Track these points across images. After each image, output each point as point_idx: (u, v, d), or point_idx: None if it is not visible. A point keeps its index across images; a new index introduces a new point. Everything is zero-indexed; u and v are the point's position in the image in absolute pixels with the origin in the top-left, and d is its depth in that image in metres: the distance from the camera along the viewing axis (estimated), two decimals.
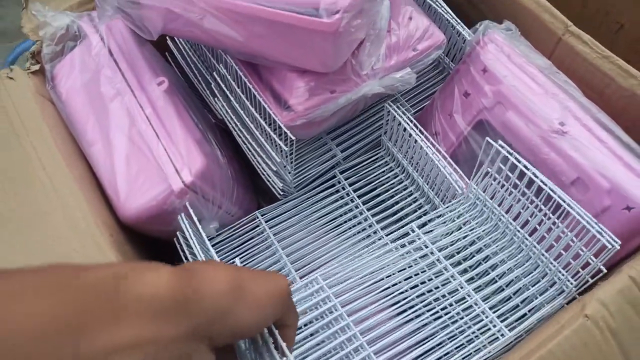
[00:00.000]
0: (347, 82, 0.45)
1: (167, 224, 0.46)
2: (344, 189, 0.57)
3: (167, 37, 0.57)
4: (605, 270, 0.38)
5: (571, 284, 0.40)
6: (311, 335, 0.40)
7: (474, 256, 0.45)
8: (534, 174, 0.40)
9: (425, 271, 0.44)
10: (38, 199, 0.43)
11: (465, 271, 0.44)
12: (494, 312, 0.41)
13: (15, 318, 0.18)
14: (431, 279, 0.43)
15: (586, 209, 0.43)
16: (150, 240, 0.51)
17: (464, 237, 0.45)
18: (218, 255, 0.51)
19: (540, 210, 0.41)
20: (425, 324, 0.43)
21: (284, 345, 0.26)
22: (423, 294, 0.43)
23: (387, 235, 0.53)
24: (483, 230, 0.46)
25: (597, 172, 0.42)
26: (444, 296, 0.43)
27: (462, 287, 0.42)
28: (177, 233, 0.47)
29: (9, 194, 0.43)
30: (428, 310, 0.43)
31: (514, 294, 0.43)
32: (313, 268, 0.52)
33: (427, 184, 0.53)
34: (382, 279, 0.43)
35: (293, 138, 0.45)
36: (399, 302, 0.43)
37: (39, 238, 0.41)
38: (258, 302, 0.25)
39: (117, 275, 0.20)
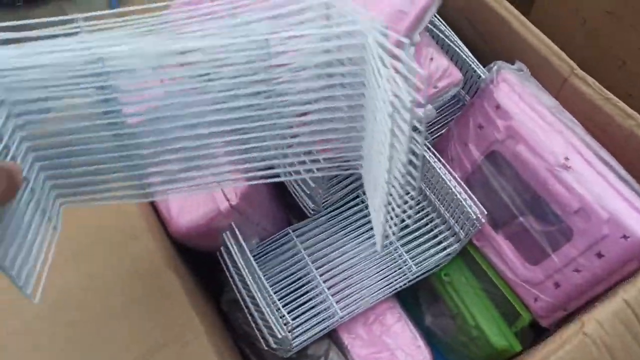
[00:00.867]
0: None
1: (213, 240, 0.52)
2: (367, 207, 0.63)
3: None
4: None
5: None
6: None
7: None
8: None
9: None
10: (99, 212, 0.49)
11: None
12: None
13: None
14: None
15: (587, 236, 0.49)
16: (195, 250, 0.57)
17: None
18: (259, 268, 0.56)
19: None
20: None
21: None
22: None
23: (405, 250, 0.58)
24: None
25: (597, 204, 0.47)
26: None
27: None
28: (222, 248, 0.52)
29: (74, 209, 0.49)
30: None
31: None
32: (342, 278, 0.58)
33: (443, 206, 0.58)
34: None
35: None
36: None
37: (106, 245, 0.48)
38: None
39: None
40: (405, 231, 0.60)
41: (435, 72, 0.53)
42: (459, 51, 0.57)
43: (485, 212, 0.52)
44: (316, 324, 0.54)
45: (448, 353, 0.62)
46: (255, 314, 0.52)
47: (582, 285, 0.51)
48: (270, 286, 0.53)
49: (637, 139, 0.50)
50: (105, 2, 1.33)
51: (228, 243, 0.50)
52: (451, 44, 0.57)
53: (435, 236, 0.59)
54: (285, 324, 0.50)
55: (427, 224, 0.60)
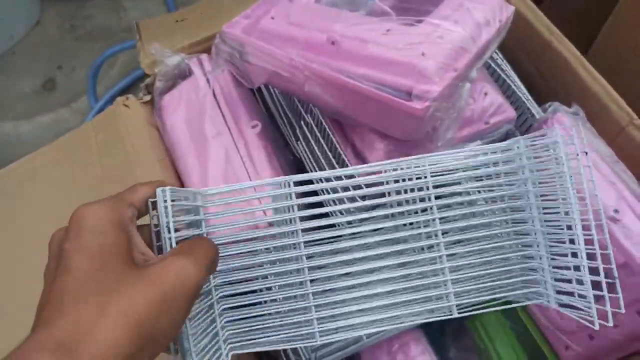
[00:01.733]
0: (421, 148, 0.50)
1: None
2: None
3: None
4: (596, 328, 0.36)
5: (552, 296, 0.38)
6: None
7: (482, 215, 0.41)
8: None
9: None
10: (145, 219, 0.50)
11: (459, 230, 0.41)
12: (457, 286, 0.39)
13: None
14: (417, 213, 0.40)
15: (629, 291, 0.47)
16: None
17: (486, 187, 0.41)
18: None
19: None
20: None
21: None
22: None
23: None
24: (507, 193, 0.41)
25: None
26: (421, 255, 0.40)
27: (438, 248, 0.40)
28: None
29: None
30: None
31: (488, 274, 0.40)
32: None
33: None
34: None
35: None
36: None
37: None
38: (171, 325, 0.24)
39: None
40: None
41: (488, 108, 0.52)
42: (515, 88, 0.56)
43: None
44: (341, 347, 0.54)
45: None
46: None
47: (618, 341, 0.49)
48: None
49: None
50: None
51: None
52: (507, 79, 0.56)
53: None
54: None
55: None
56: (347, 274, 0.40)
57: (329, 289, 0.40)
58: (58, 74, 1.25)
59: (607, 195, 0.48)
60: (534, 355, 0.57)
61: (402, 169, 0.40)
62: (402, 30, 0.44)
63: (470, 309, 0.39)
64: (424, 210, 0.41)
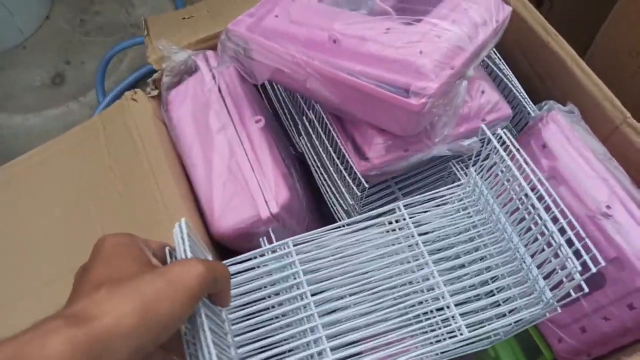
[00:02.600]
0: (419, 144, 0.52)
1: (249, 243, 0.54)
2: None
3: None
4: (586, 289, 0.37)
5: (547, 295, 0.39)
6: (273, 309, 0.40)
7: (460, 244, 0.44)
8: (532, 170, 0.38)
9: (404, 255, 0.43)
10: (152, 210, 0.51)
11: (445, 259, 0.43)
12: (461, 307, 0.40)
13: None
14: (409, 262, 0.42)
15: (620, 286, 0.49)
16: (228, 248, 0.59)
17: (459, 223, 0.44)
18: None
19: (535, 209, 0.38)
20: (389, 317, 0.41)
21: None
22: (395, 285, 0.41)
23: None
24: (478, 220, 0.44)
25: (634, 256, 0.47)
26: (416, 287, 0.41)
27: (433, 276, 0.41)
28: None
29: (130, 204, 0.52)
30: (395, 303, 0.41)
31: (486, 293, 0.41)
32: None
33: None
34: (359, 263, 0.42)
35: (367, 186, 0.52)
36: (367, 289, 0.41)
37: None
38: (172, 313, 0.25)
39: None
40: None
41: (485, 105, 0.53)
42: (511, 86, 0.58)
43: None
44: None
45: None
46: None
47: (610, 334, 0.50)
48: None
49: None
50: None
51: (264, 247, 0.52)
52: (504, 78, 0.58)
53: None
54: None
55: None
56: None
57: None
58: (67, 68, 1.27)
59: (599, 191, 0.50)
60: (528, 348, 0.58)
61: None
62: (401, 29, 0.45)
63: (478, 326, 0.39)
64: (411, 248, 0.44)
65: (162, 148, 0.56)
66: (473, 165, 0.45)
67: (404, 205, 0.45)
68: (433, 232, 0.44)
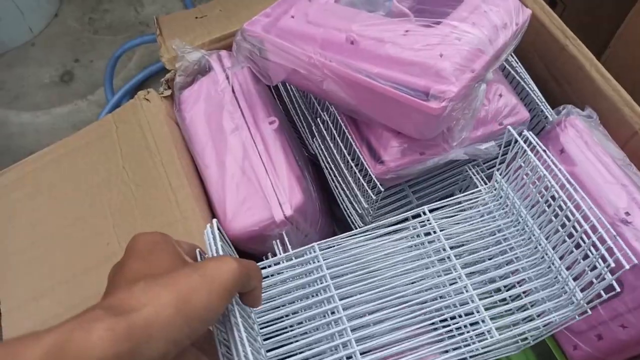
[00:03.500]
0: (436, 147, 0.51)
1: (261, 245, 0.54)
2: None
3: None
4: (618, 289, 0.37)
5: (578, 296, 0.39)
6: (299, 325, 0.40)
7: (487, 249, 0.44)
8: (559, 170, 0.38)
9: (435, 269, 0.42)
10: (165, 211, 0.51)
11: (472, 263, 0.43)
12: (489, 310, 0.40)
13: None
14: (440, 275, 0.42)
15: (638, 294, 0.48)
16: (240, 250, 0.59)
17: (485, 226, 0.44)
18: None
19: (562, 210, 0.38)
20: (421, 332, 0.40)
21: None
22: (425, 300, 0.41)
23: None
24: (504, 223, 0.45)
25: None
26: (448, 300, 0.41)
27: (460, 279, 0.41)
28: (269, 254, 0.54)
29: (143, 204, 0.52)
30: (427, 316, 0.41)
31: (513, 297, 0.41)
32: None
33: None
34: (388, 277, 0.41)
35: (382, 189, 0.51)
36: (396, 304, 0.41)
37: None
38: (208, 306, 0.26)
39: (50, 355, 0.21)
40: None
41: (502, 109, 0.53)
42: (529, 90, 0.57)
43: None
44: None
45: None
46: None
47: (627, 341, 0.50)
48: None
49: None
50: None
51: (277, 250, 0.52)
52: (521, 81, 0.57)
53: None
54: None
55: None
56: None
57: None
58: (76, 66, 1.27)
59: (618, 197, 0.49)
60: (542, 355, 0.57)
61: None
62: (420, 31, 0.45)
63: (505, 330, 0.39)
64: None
65: (175, 148, 0.55)
66: (497, 169, 0.44)
67: (430, 211, 0.44)
68: (460, 237, 0.44)
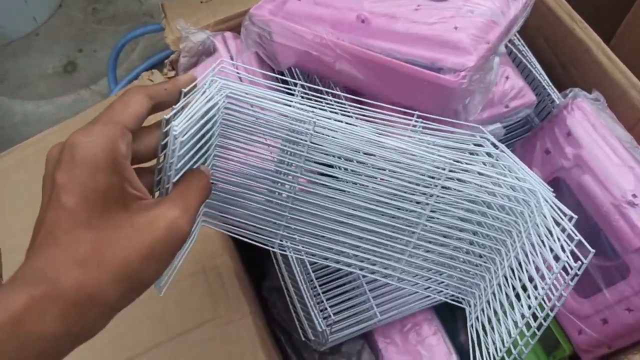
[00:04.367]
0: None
1: None
2: None
3: None
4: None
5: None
6: None
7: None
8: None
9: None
10: None
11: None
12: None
13: None
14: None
15: None
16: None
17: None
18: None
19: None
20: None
21: None
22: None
23: None
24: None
25: None
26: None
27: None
28: None
29: None
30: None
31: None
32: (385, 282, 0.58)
33: None
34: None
35: None
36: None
37: None
38: (153, 276, 0.26)
39: None
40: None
41: (509, 91, 0.52)
42: (535, 73, 0.57)
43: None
44: (355, 323, 0.54)
45: None
46: (298, 305, 0.53)
47: (632, 325, 0.49)
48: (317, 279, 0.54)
49: None
50: None
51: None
52: (528, 64, 0.57)
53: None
54: (325, 318, 0.51)
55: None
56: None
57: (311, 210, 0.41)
58: (79, 56, 1.27)
59: (626, 179, 0.49)
60: (546, 339, 0.57)
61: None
62: (432, 5, 0.44)
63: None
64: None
65: None
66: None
67: None
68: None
